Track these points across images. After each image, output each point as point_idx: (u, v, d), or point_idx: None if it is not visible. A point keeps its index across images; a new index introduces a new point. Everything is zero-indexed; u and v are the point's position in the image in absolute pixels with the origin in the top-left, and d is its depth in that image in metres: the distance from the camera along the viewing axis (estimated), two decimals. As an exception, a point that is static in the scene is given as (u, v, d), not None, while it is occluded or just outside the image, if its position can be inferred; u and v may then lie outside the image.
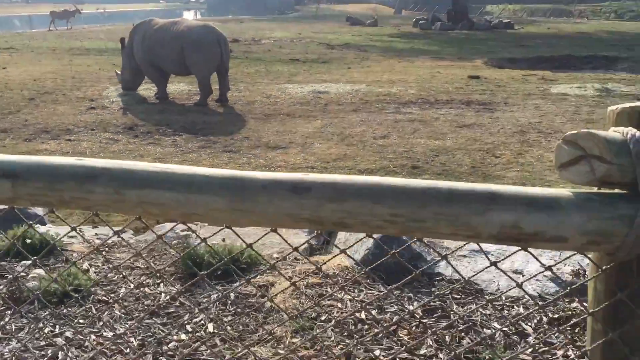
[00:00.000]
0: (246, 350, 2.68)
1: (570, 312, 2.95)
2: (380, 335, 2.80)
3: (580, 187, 1.12)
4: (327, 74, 14.89)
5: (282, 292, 3.12)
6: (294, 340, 2.78)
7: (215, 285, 3.27)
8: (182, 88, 12.59)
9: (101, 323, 2.90)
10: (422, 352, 2.69)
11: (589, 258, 1.17)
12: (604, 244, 1.04)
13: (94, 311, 3.03)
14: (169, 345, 2.74)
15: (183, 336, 2.82)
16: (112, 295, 3.18)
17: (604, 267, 1.13)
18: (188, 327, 2.89)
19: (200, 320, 2.95)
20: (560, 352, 2.70)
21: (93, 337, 2.81)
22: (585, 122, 9.45)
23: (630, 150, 1.01)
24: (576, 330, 2.82)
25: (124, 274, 3.35)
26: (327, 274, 3.32)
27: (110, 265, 3.51)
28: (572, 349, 2.71)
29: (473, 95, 11.86)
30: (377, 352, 2.68)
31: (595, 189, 1.13)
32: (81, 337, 2.80)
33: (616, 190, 1.09)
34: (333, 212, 1.12)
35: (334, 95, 11.83)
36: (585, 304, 3.03)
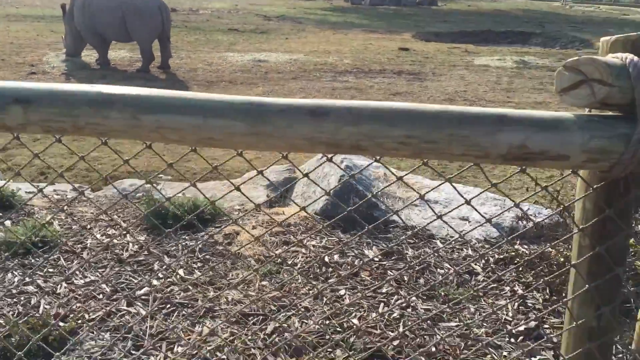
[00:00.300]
0: (218, 293, 2.66)
1: (513, 253, 3.06)
2: (344, 276, 2.83)
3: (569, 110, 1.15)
4: (265, 43, 14.68)
5: (248, 239, 3.10)
6: (263, 283, 2.77)
7: (181, 235, 3.22)
8: (123, 55, 12.14)
9: (71, 272, 2.80)
10: (384, 290, 2.74)
11: (581, 177, 1.20)
12: (601, 162, 1.07)
13: (63, 261, 2.92)
14: (142, 291, 2.68)
15: (155, 282, 2.77)
16: (79, 246, 3.08)
17: (595, 186, 1.17)
18: (159, 274, 2.84)
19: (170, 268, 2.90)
20: (507, 288, 2.81)
21: (64, 284, 2.71)
22: (505, 91, 9.73)
23: (630, 73, 1.04)
24: (520, 269, 2.94)
25: (89, 226, 3.24)
26: (289, 223, 3.32)
27: (75, 218, 3.39)
28: (519, 285, 2.82)
29: (403, 65, 11.99)
30: (342, 292, 2.71)
31: (586, 111, 1.16)
32: (52, 285, 2.71)
33: (609, 113, 1.12)
34: (350, 135, 1.11)
35: (273, 64, 11.69)
36: (525, 245, 3.15)
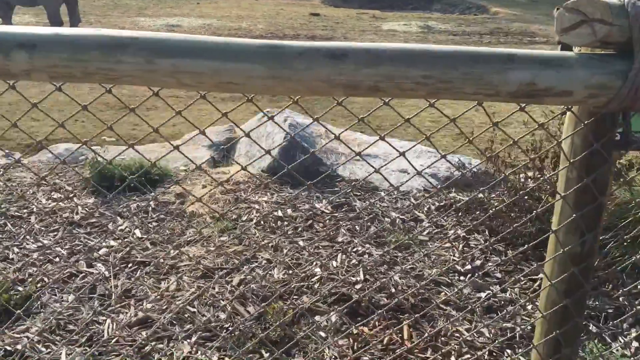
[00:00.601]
0: (179, 249, 2.59)
1: (452, 200, 3.18)
2: (299, 228, 2.84)
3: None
4: (176, 8, 14.14)
5: (201, 198, 3.02)
6: (223, 238, 2.73)
7: (130, 197, 3.09)
8: (28, 20, 11.32)
9: (22, 237, 2.63)
10: (339, 239, 2.77)
11: (574, 113, 1.26)
12: (600, 97, 1.12)
13: (10, 227, 2.73)
14: (101, 252, 2.57)
15: (112, 242, 2.65)
16: (24, 211, 2.89)
17: (585, 122, 1.23)
18: (114, 234, 2.72)
19: (125, 228, 2.78)
20: (451, 232, 2.92)
21: (16, 250, 2.55)
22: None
23: (628, 13, 1.09)
24: (459, 214, 3.05)
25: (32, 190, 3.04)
26: (239, 181, 3.27)
27: (14, 184, 3.17)
28: (460, 228, 2.94)
29: (316, 30, 11.93)
30: (301, 243, 2.72)
31: (578, 49, 1.21)
32: (2, 250, 2.53)
33: (602, 52, 1.17)
34: (369, 76, 1.10)
35: (187, 29, 11.29)
36: (461, 193, 3.27)
